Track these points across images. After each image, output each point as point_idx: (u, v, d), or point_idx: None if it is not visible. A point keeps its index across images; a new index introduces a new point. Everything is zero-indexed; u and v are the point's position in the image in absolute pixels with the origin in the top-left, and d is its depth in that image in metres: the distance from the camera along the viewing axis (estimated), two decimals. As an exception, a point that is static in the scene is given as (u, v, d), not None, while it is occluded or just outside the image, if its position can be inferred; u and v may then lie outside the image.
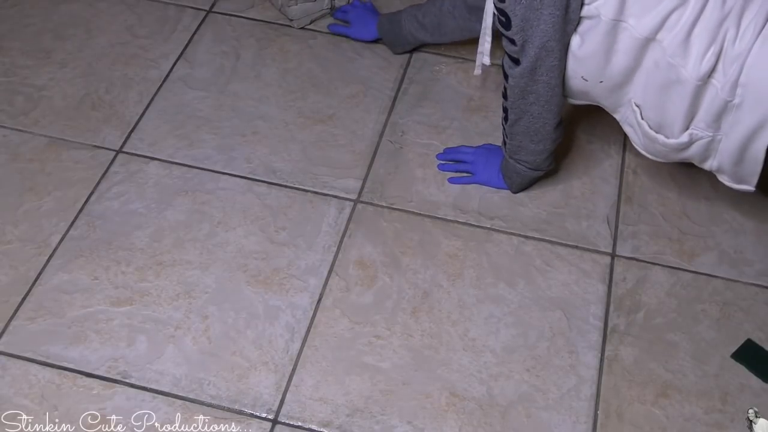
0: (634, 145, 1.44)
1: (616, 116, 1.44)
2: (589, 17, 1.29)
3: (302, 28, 1.88)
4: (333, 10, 1.89)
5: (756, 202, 1.53)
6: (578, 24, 1.30)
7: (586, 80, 1.36)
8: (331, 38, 1.86)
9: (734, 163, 1.33)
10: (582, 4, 1.28)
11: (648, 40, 1.27)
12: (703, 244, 1.52)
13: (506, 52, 1.36)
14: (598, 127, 1.68)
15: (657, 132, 1.36)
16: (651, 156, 1.43)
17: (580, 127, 1.68)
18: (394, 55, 1.82)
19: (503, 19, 1.31)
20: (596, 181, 1.61)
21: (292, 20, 1.87)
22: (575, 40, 1.32)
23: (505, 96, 1.42)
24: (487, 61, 1.50)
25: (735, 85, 1.23)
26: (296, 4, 1.84)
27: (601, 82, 1.36)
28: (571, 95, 1.43)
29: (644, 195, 1.59)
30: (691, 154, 1.36)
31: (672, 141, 1.34)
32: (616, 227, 1.54)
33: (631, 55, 1.29)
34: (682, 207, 1.57)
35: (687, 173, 1.59)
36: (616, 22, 1.27)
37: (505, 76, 1.39)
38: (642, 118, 1.36)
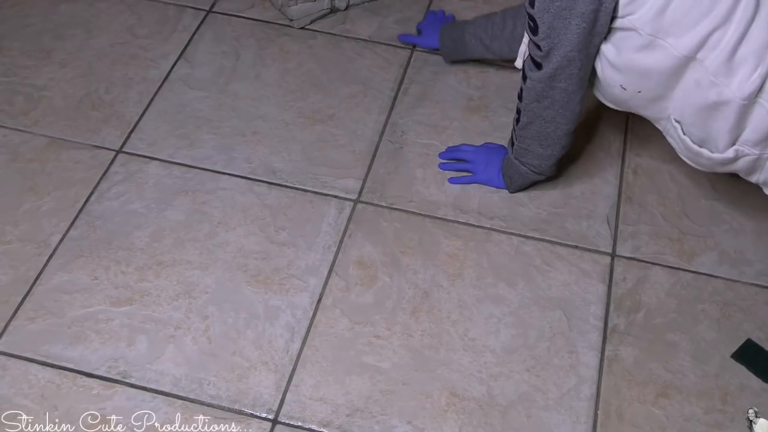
0: (680, 156, 1.41)
1: (659, 127, 1.41)
2: (623, 29, 1.26)
3: (302, 28, 1.88)
4: (333, 10, 1.89)
5: (756, 202, 1.53)
6: (609, 34, 1.28)
7: (625, 89, 1.34)
8: (331, 38, 1.86)
9: None
10: (614, 17, 1.25)
11: (688, 59, 1.23)
12: (703, 244, 1.52)
13: (530, 55, 1.35)
14: (598, 127, 1.68)
15: (700, 147, 1.33)
16: (697, 167, 1.40)
17: (580, 127, 1.68)
18: (394, 55, 1.82)
19: (531, 24, 1.30)
20: (596, 181, 1.61)
21: (292, 20, 1.87)
22: (610, 50, 1.29)
23: (520, 97, 1.41)
24: (519, 63, 1.50)
25: None
26: (296, 4, 1.84)
27: (640, 92, 1.33)
28: (611, 102, 1.41)
29: (644, 195, 1.59)
30: (738, 168, 1.34)
31: (717, 156, 1.31)
32: (616, 227, 1.54)
33: (670, 72, 1.26)
34: (682, 207, 1.57)
35: (687, 173, 1.59)
36: (654, 39, 1.24)
37: (524, 78, 1.38)
38: (684, 134, 1.33)
